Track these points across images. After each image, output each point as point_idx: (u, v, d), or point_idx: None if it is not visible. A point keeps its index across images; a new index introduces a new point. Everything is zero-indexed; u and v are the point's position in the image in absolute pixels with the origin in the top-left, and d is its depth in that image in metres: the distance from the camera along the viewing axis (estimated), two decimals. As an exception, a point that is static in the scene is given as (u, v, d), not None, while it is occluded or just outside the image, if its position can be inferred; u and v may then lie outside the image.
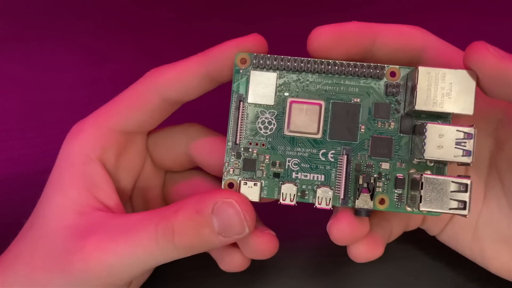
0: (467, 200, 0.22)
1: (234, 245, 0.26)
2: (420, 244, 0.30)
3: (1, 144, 0.33)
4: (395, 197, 0.23)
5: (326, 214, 0.24)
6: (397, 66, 0.24)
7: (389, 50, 0.24)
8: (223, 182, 0.24)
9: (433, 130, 0.22)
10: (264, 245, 0.24)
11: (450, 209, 0.22)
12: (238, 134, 0.24)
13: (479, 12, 0.35)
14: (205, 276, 0.29)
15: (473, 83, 0.22)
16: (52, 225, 0.24)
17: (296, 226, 0.26)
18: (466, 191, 0.22)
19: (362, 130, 0.24)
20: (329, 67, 0.24)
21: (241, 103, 0.24)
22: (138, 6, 0.35)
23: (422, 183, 0.22)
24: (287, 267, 0.30)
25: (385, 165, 0.24)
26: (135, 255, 0.22)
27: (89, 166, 0.25)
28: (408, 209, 0.23)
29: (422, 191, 0.22)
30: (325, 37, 0.23)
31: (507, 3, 0.36)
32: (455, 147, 0.22)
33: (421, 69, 0.22)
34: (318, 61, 0.24)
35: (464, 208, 0.22)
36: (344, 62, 0.24)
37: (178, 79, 0.25)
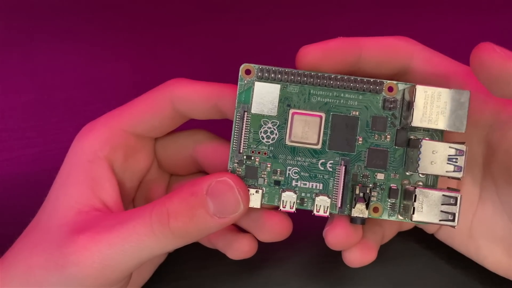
0: (456, 212, 0.23)
1: (242, 231, 0.27)
2: (420, 243, 0.30)
3: (1, 144, 0.33)
4: (388, 206, 0.25)
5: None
6: (394, 82, 0.25)
7: (375, 63, 0.25)
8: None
9: (427, 146, 0.23)
10: (278, 225, 0.25)
11: (440, 220, 0.23)
12: (241, 143, 0.25)
13: (479, 11, 0.36)
14: (205, 276, 0.29)
15: (466, 102, 0.23)
16: (53, 223, 0.24)
17: (297, 226, 0.26)
18: (455, 204, 0.23)
19: (359, 142, 0.25)
20: (331, 81, 0.25)
21: (245, 113, 0.25)
22: (138, 7, 0.34)
23: (415, 195, 0.23)
24: (288, 266, 0.30)
25: (380, 176, 0.25)
26: (128, 244, 0.22)
27: (94, 164, 0.25)
28: (400, 217, 0.25)
29: (415, 203, 0.23)
30: (312, 56, 0.24)
31: (507, 2, 0.36)
32: (447, 163, 0.23)
33: (419, 87, 0.23)
34: (320, 75, 0.25)
35: (453, 220, 0.23)
36: (344, 76, 0.25)
37: (191, 97, 0.25)
